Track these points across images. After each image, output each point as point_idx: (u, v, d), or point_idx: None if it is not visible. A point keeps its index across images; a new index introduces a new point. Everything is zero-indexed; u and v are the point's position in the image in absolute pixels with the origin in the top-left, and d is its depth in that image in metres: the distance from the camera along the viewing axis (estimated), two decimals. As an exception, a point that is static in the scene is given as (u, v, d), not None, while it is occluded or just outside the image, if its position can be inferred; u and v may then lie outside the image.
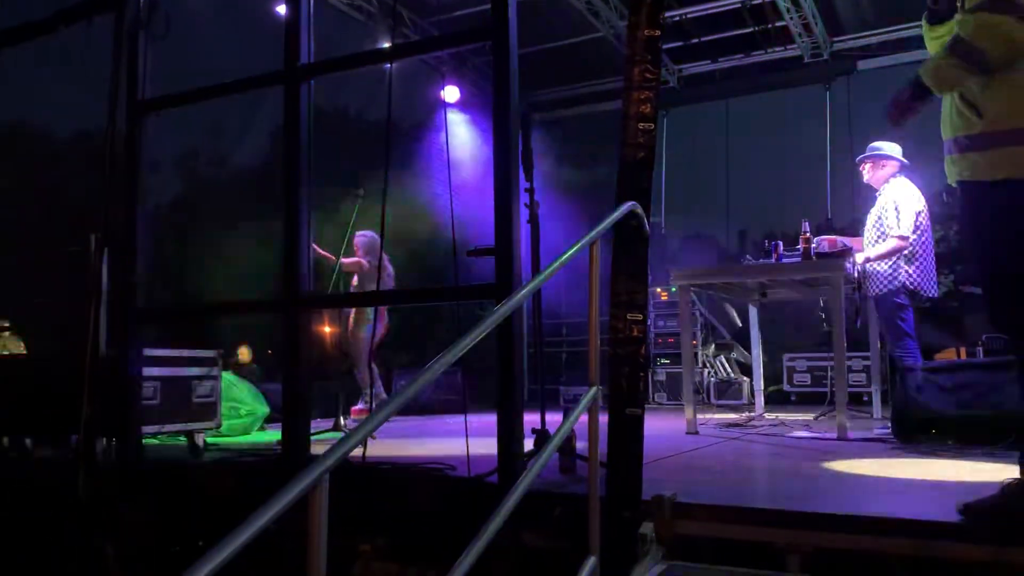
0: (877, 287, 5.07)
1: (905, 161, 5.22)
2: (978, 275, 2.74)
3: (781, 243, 5.59)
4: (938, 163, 2.79)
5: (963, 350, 7.41)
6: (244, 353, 9.59)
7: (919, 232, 5.01)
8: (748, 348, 7.55)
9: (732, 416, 6.78)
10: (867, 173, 5.31)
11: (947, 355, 7.35)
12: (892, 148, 5.24)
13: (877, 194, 5.26)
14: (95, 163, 4.40)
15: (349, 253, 6.88)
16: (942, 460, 3.87)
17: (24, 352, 7.42)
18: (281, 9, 6.03)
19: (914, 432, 4.31)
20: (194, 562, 1.01)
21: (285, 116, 4.08)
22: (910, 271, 4.97)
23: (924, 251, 5.03)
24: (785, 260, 5.45)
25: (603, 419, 2.60)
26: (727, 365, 9.42)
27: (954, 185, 2.71)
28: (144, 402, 4.53)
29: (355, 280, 7.04)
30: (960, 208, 2.69)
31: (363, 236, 6.93)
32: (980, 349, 7.11)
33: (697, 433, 5.29)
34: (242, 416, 5.83)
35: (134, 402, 4.37)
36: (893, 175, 5.18)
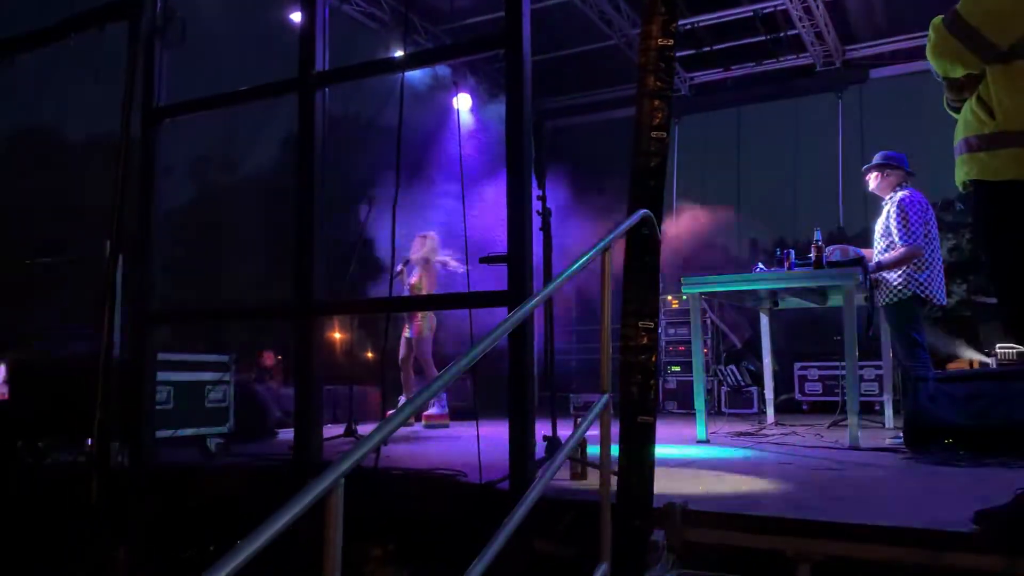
0: (887, 296, 5.05)
1: (911, 170, 5.21)
2: (991, 281, 2.71)
3: (793, 251, 5.57)
4: (950, 171, 2.77)
5: (976, 360, 7.38)
6: (269, 357, 9.66)
7: (928, 239, 4.99)
8: (759, 356, 7.54)
9: (743, 425, 6.76)
10: (873, 182, 5.27)
11: (959, 365, 7.32)
12: (897, 157, 5.22)
13: (883, 203, 5.23)
14: (110, 168, 4.44)
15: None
16: (955, 470, 3.86)
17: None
18: (296, 17, 6.06)
19: (926, 442, 4.29)
20: (214, 563, 1.02)
21: (299, 123, 4.11)
22: (919, 279, 4.95)
23: (932, 259, 5.00)
24: (797, 269, 5.44)
25: (614, 427, 2.60)
26: (738, 373, 9.39)
27: (960, 188, 2.70)
28: (157, 406, 4.56)
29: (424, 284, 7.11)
30: (971, 210, 2.67)
31: (427, 239, 7.01)
32: (993, 359, 7.07)
33: (708, 442, 5.29)
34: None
35: (147, 406, 4.40)
36: (899, 184, 5.16)
